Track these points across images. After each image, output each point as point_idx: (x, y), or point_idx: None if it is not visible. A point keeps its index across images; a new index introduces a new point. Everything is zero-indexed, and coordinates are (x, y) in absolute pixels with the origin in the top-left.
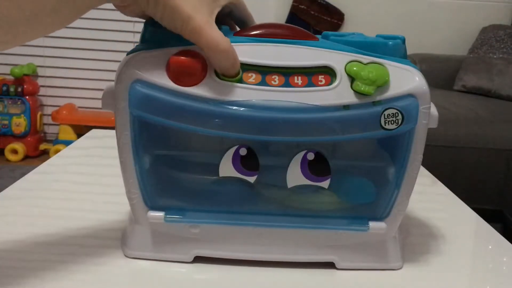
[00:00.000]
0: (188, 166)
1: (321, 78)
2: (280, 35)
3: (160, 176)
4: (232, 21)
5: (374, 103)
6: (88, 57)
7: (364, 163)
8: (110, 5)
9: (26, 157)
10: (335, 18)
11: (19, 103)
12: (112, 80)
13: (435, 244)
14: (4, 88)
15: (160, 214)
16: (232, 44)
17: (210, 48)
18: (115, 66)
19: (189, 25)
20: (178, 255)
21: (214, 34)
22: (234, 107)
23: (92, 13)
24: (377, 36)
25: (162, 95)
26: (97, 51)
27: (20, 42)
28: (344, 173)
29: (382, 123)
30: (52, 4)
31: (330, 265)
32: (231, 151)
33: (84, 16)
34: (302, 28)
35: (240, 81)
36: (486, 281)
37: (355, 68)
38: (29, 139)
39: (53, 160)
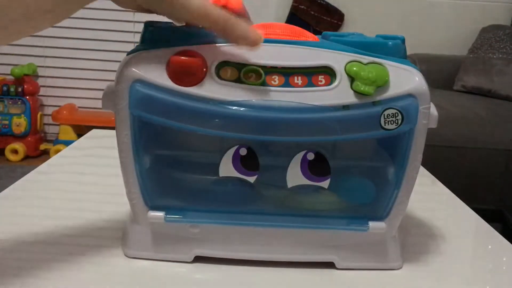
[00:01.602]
0: (188, 166)
1: (321, 78)
2: (280, 35)
3: (160, 176)
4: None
5: (374, 103)
6: (88, 57)
7: (364, 163)
8: (109, 5)
9: (26, 157)
10: (335, 18)
11: (19, 103)
12: (112, 80)
13: (435, 244)
14: (5, 88)
15: (160, 214)
16: None
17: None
18: (115, 66)
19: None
20: (178, 255)
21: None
22: (234, 107)
23: (92, 13)
24: (377, 36)
25: (162, 95)
26: (97, 51)
27: (12, 40)
28: (344, 173)
29: (382, 123)
30: (48, 5)
31: (330, 265)
32: (231, 151)
33: (84, 16)
34: (302, 28)
35: (241, 81)
36: (486, 281)
37: (355, 68)
38: (29, 139)
39: (53, 160)
